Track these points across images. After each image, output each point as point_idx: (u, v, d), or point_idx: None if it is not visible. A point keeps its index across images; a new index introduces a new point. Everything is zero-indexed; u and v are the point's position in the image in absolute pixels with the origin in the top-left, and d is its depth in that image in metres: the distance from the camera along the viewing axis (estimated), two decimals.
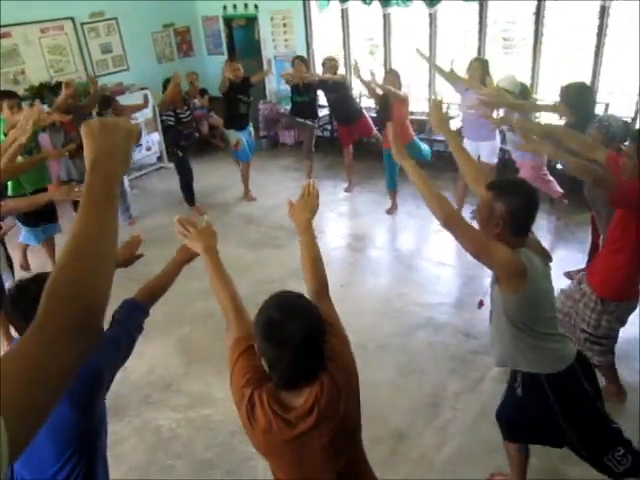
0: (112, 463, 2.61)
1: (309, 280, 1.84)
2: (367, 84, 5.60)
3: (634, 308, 2.99)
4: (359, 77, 5.63)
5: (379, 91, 5.55)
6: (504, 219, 2.04)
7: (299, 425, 1.49)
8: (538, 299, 2.11)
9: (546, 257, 2.17)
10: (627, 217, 2.74)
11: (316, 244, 1.92)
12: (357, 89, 6.61)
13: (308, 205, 2.01)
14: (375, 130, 6.30)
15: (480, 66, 4.97)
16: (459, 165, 2.62)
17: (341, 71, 6.35)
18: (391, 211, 5.91)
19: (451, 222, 2.06)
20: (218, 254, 1.94)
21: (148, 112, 7.33)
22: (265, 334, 1.46)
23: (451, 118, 4.80)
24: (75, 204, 5.23)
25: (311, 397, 1.49)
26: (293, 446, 1.52)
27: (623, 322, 2.99)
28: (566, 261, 4.43)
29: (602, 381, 3.23)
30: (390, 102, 5.39)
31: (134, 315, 1.93)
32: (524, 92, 4.54)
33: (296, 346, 1.42)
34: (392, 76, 5.40)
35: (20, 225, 4.70)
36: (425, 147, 5.83)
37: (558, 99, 3.98)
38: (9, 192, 4.66)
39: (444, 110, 2.69)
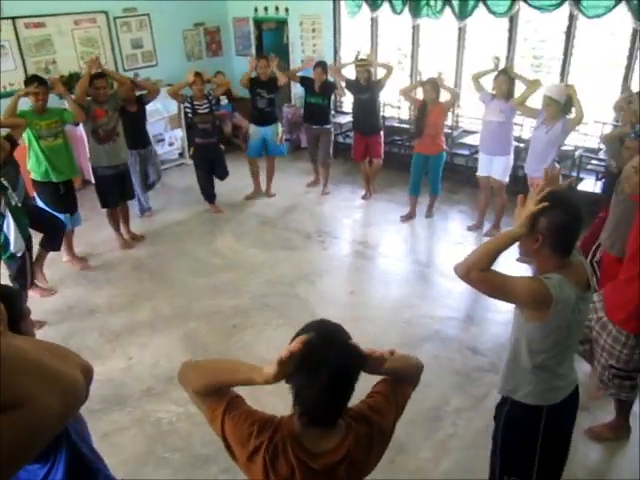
0: (110, 451, 2.64)
1: None
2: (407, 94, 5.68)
3: None
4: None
5: (419, 97, 5.63)
6: (543, 234, 1.89)
7: (324, 478, 1.38)
8: (558, 331, 1.97)
9: (586, 288, 1.99)
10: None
11: (398, 370, 1.56)
12: (382, 98, 6.58)
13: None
14: (381, 159, 6.34)
15: (507, 79, 4.98)
16: None
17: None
18: (406, 219, 5.92)
19: (470, 277, 1.91)
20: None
21: (173, 109, 7.42)
22: (300, 358, 1.33)
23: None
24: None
25: (342, 449, 1.39)
26: None
27: None
28: None
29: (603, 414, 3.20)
30: (428, 109, 5.42)
31: None
32: (569, 103, 4.52)
33: (326, 381, 1.31)
34: (429, 86, 5.41)
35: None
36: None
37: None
38: (37, 177, 4.78)
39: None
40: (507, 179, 5.29)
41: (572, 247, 1.97)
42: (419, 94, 5.73)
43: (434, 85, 5.39)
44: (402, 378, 1.60)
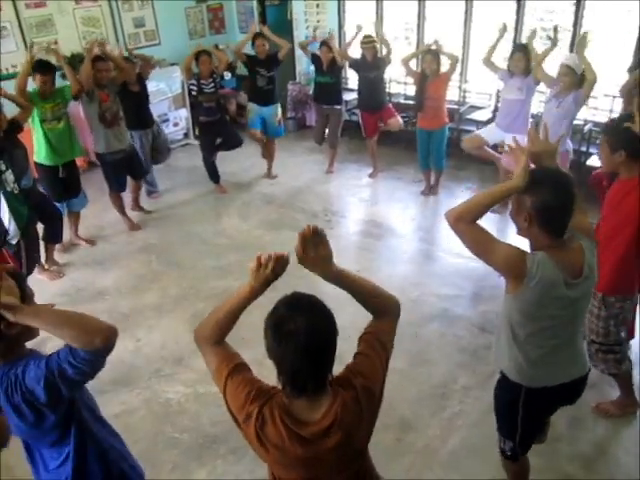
0: (120, 432, 2.67)
1: (372, 308, 1.65)
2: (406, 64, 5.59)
3: (635, 305, 2.92)
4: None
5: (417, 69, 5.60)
6: (531, 214, 1.86)
7: (314, 445, 1.43)
8: (533, 308, 1.95)
9: (577, 275, 1.92)
10: (626, 209, 2.65)
11: (359, 279, 1.62)
12: (387, 74, 6.50)
13: (327, 258, 1.55)
14: (399, 117, 6.19)
15: (524, 56, 4.87)
16: None
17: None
18: (426, 193, 5.98)
19: (456, 221, 1.92)
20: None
21: (177, 88, 7.36)
22: (272, 331, 1.41)
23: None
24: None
25: (330, 415, 1.43)
26: (304, 463, 1.48)
27: (628, 323, 2.94)
28: None
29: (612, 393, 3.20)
30: (428, 82, 5.35)
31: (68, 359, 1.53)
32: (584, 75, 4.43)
33: (300, 344, 1.36)
34: (430, 56, 5.33)
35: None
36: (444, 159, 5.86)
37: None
38: (37, 159, 4.77)
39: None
40: None
41: (563, 227, 1.91)
42: (418, 66, 5.63)
43: (435, 56, 5.31)
44: (368, 301, 1.62)
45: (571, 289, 1.91)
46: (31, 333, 1.68)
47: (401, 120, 6.22)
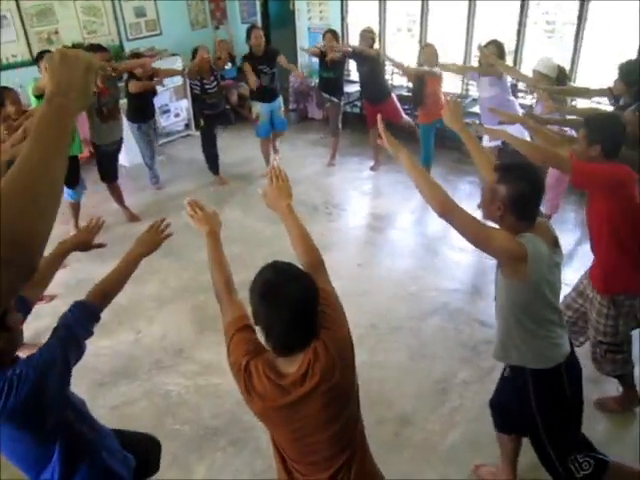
0: (120, 423, 2.68)
1: (302, 256, 1.84)
2: (399, 65, 5.59)
3: None
4: (390, 59, 5.69)
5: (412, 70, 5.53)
6: (505, 203, 1.98)
7: (292, 392, 1.54)
8: (541, 286, 2.02)
9: (555, 246, 2.06)
10: (597, 205, 2.67)
11: (301, 224, 1.93)
12: (390, 67, 6.47)
13: (282, 190, 2.00)
14: (404, 116, 6.18)
15: (496, 50, 4.79)
16: (475, 159, 2.59)
17: (376, 45, 6.15)
18: None
19: (447, 210, 1.96)
20: (219, 240, 1.98)
21: (178, 79, 7.31)
22: (264, 297, 1.51)
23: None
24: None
25: (304, 364, 1.54)
26: (287, 412, 1.58)
27: (637, 321, 2.92)
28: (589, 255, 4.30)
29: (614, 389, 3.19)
30: (425, 79, 5.32)
31: (81, 320, 1.84)
32: (561, 76, 4.36)
33: (294, 307, 1.48)
34: (429, 50, 5.30)
35: None
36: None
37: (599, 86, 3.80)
38: None
39: (459, 107, 2.58)
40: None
41: (536, 214, 2.04)
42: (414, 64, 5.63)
43: (432, 52, 5.31)
44: (300, 244, 1.87)
45: (557, 256, 2.07)
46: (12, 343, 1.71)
47: (409, 118, 6.23)
